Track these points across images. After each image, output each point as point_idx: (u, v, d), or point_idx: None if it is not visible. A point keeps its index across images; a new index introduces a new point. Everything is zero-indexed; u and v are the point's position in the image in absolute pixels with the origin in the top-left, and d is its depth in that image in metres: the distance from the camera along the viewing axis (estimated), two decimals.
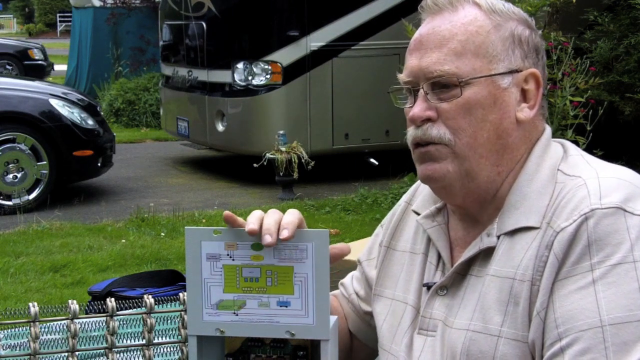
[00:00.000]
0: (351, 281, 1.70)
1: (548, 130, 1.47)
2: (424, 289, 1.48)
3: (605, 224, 1.28)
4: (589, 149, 6.73)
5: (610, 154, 6.94)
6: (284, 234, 1.28)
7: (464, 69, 1.38)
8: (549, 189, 1.38)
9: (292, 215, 1.32)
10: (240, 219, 1.35)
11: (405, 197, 1.63)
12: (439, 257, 1.48)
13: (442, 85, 1.39)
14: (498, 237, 1.38)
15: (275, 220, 1.31)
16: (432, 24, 1.43)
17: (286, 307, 1.30)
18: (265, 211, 1.35)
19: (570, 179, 1.37)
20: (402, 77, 1.45)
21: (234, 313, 1.32)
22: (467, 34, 1.39)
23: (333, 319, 1.34)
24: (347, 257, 1.70)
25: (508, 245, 1.37)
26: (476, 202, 1.43)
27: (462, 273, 1.42)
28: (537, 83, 1.42)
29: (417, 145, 1.42)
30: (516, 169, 1.42)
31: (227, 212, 1.33)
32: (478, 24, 1.40)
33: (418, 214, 1.54)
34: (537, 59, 1.44)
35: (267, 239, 1.28)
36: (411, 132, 1.43)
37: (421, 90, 1.41)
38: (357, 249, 1.81)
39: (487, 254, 1.39)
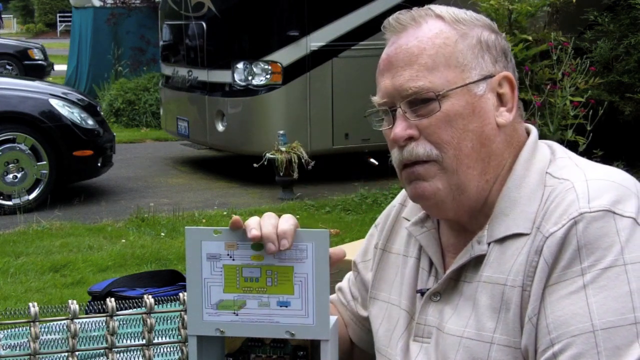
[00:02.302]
0: (348, 285, 1.70)
1: (534, 132, 1.46)
2: (418, 295, 1.47)
3: (595, 227, 1.27)
4: (589, 149, 6.73)
5: (610, 154, 6.96)
6: (284, 244, 1.31)
7: (438, 82, 1.38)
8: (538, 194, 1.37)
9: (288, 223, 1.34)
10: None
11: (398, 199, 1.62)
12: (431, 263, 1.48)
13: (419, 102, 1.38)
14: (488, 244, 1.38)
15: (273, 225, 1.33)
16: (399, 42, 1.42)
17: (286, 307, 1.30)
18: (264, 211, 1.35)
19: (559, 182, 1.36)
20: (377, 99, 1.45)
21: (234, 313, 1.32)
22: (436, 47, 1.39)
23: (333, 319, 1.34)
24: (347, 257, 1.70)
25: (499, 251, 1.36)
26: (467, 213, 1.42)
27: (455, 279, 1.42)
28: (511, 85, 1.42)
29: (404, 166, 1.42)
30: (502, 174, 1.41)
31: (235, 218, 1.35)
32: (444, 36, 1.40)
33: (408, 220, 1.54)
34: (507, 62, 1.44)
35: (271, 247, 1.31)
36: (396, 155, 1.42)
37: (399, 110, 1.40)
38: (357, 249, 1.81)
39: (478, 260, 1.39)
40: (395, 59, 1.41)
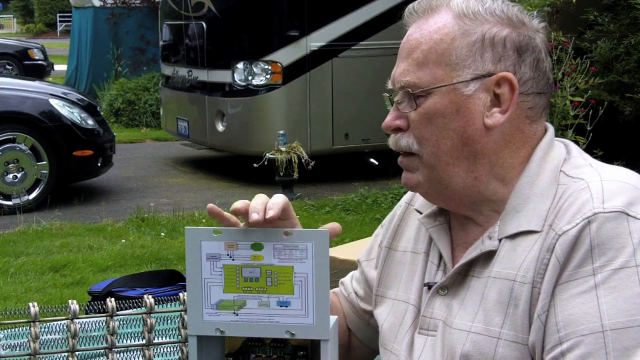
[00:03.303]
0: (351, 281, 1.71)
1: (551, 130, 1.45)
2: (425, 288, 1.47)
3: (608, 228, 1.27)
4: (589, 149, 6.75)
5: (610, 154, 6.96)
6: (270, 213, 1.32)
7: (425, 78, 1.39)
8: (551, 191, 1.37)
9: (278, 198, 1.36)
10: (225, 213, 1.38)
11: (405, 198, 1.63)
12: (441, 256, 1.48)
13: (408, 96, 1.41)
14: (499, 240, 1.38)
15: (262, 201, 1.35)
16: (409, 31, 1.44)
17: (286, 307, 1.30)
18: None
19: (573, 181, 1.36)
20: (389, 83, 1.48)
21: (234, 313, 1.32)
22: (431, 43, 1.39)
23: (333, 319, 1.34)
24: (347, 257, 1.70)
25: (510, 248, 1.36)
26: (462, 205, 1.43)
27: (463, 273, 1.42)
28: (511, 86, 1.39)
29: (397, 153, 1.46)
30: (502, 172, 1.40)
31: (211, 206, 1.36)
32: (444, 32, 1.39)
33: (421, 213, 1.54)
34: (521, 59, 1.39)
35: (254, 216, 1.32)
36: (390, 138, 1.47)
37: (394, 100, 1.43)
38: (357, 249, 1.81)
39: (488, 256, 1.39)
40: (402, 48, 1.44)
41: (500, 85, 1.39)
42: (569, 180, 1.37)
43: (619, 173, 1.36)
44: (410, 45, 1.42)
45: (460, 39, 1.39)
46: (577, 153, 1.43)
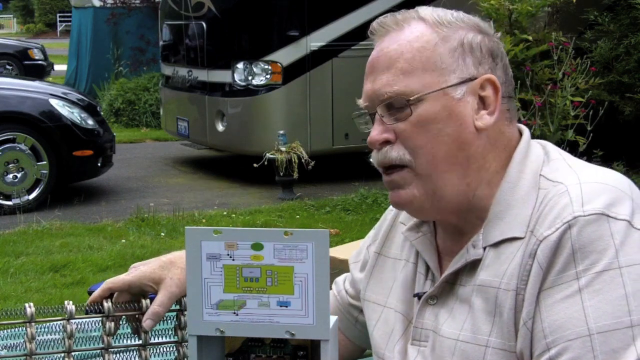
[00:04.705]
0: (343, 280, 1.72)
1: (526, 133, 1.45)
2: (415, 299, 1.47)
3: (589, 231, 1.26)
4: (589, 149, 6.74)
5: (610, 154, 6.97)
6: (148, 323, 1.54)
7: (414, 86, 1.37)
8: (532, 197, 1.36)
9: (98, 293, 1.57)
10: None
11: None
12: (428, 266, 1.48)
13: (396, 106, 1.39)
14: (484, 248, 1.37)
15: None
16: (381, 46, 1.43)
17: (286, 307, 1.30)
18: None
19: (553, 185, 1.35)
20: (360, 102, 1.46)
21: (234, 313, 1.31)
22: (414, 51, 1.39)
23: (333, 319, 1.33)
24: (347, 257, 1.70)
25: (494, 255, 1.36)
26: (452, 214, 1.42)
27: (451, 282, 1.42)
28: (495, 88, 1.39)
29: (383, 170, 1.43)
30: (487, 177, 1.39)
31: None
32: (424, 40, 1.39)
33: (405, 224, 1.54)
34: (495, 63, 1.41)
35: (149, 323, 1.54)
36: (374, 157, 1.44)
37: (377, 114, 1.41)
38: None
39: (473, 264, 1.38)
40: (376, 62, 1.43)
41: (484, 88, 1.39)
42: (549, 184, 1.36)
43: (598, 174, 1.35)
44: (390, 56, 1.40)
45: (441, 45, 1.39)
46: (556, 154, 1.42)
